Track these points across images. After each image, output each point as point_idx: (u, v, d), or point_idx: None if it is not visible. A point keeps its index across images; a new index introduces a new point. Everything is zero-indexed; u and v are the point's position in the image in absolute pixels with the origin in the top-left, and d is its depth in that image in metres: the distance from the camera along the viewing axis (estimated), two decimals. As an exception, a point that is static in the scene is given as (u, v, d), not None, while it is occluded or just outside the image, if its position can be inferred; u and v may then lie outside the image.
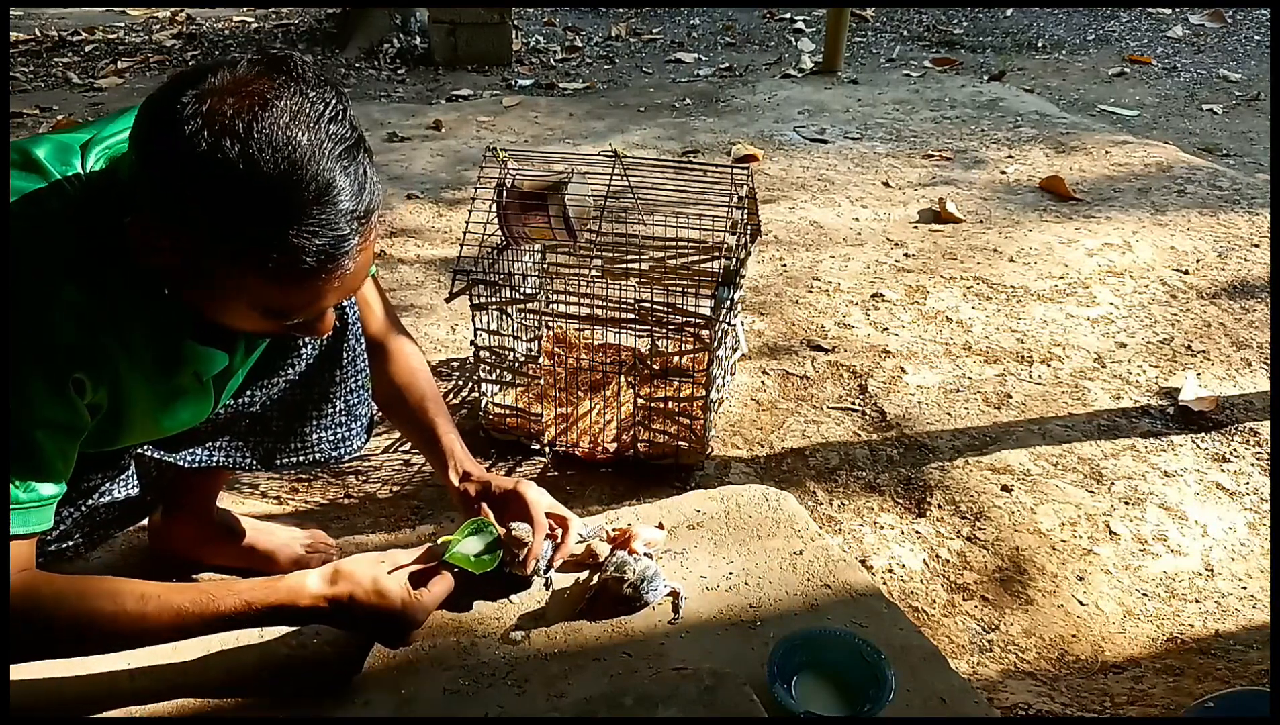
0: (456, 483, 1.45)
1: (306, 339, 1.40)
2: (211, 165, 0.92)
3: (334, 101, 0.98)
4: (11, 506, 1.03)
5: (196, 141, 0.92)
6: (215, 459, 1.44)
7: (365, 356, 1.47)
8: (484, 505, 1.40)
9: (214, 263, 0.98)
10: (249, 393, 1.40)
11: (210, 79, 0.95)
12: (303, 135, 0.94)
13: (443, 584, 1.25)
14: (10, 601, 1.04)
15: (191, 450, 1.42)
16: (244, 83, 0.95)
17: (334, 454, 1.50)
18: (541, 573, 1.39)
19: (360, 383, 1.48)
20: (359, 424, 1.51)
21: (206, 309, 1.07)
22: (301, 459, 1.48)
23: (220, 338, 1.21)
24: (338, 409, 1.47)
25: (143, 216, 0.98)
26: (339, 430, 1.48)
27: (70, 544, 1.35)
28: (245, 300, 1.03)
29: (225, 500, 1.75)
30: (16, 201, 1.02)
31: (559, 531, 1.44)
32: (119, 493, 1.37)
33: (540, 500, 1.40)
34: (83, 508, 1.34)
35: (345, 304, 1.42)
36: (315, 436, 1.47)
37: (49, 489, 1.06)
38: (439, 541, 1.31)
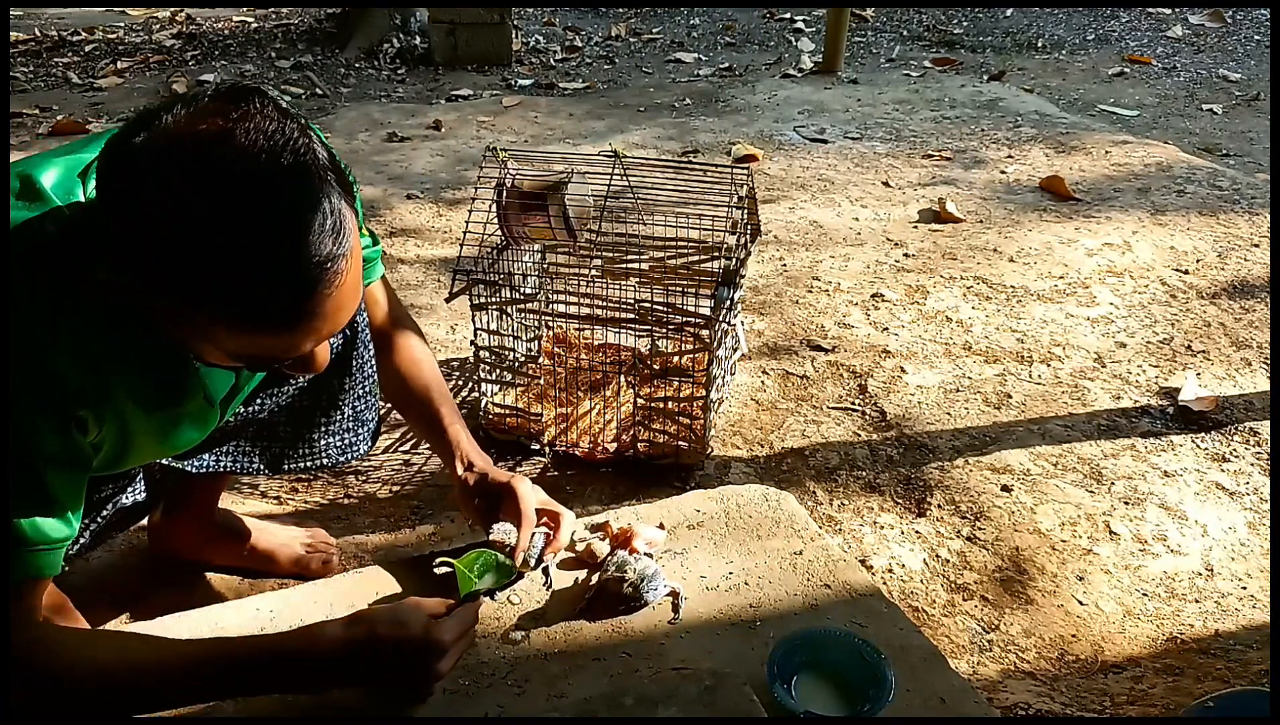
0: (461, 473, 1.42)
1: None
2: (165, 217, 0.87)
3: (296, 136, 0.91)
4: (22, 548, 0.99)
5: (149, 189, 0.87)
6: (223, 464, 1.44)
7: (374, 363, 1.46)
8: (493, 534, 1.37)
9: (181, 313, 0.93)
10: (258, 400, 1.41)
11: (166, 117, 0.90)
12: (260, 181, 0.88)
13: (467, 612, 1.20)
14: (13, 652, 0.99)
15: (199, 457, 1.42)
16: (200, 121, 0.89)
17: (340, 459, 1.50)
18: (531, 565, 1.39)
19: (368, 389, 1.47)
20: (365, 429, 1.51)
21: (193, 352, 1.03)
22: (308, 464, 1.49)
23: None
24: (345, 415, 1.47)
25: (109, 262, 0.93)
26: (346, 436, 1.49)
27: (74, 549, 1.35)
28: (220, 348, 0.98)
29: (225, 500, 1.75)
30: (15, 231, 0.99)
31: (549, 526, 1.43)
32: (127, 500, 1.38)
33: (531, 495, 1.38)
34: (100, 518, 1.35)
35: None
36: (323, 442, 1.48)
37: (60, 531, 1.03)
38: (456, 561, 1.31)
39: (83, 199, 1.03)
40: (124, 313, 1.02)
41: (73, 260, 1.00)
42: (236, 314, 0.92)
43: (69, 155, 1.08)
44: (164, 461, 1.38)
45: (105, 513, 1.36)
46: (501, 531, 1.35)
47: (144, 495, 1.41)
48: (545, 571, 1.39)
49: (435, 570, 1.30)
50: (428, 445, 1.98)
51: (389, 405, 1.61)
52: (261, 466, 1.46)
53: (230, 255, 0.88)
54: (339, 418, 1.46)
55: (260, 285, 0.90)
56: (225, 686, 1.08)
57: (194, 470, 1.41)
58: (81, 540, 1.35)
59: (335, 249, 0.92)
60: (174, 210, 0.87)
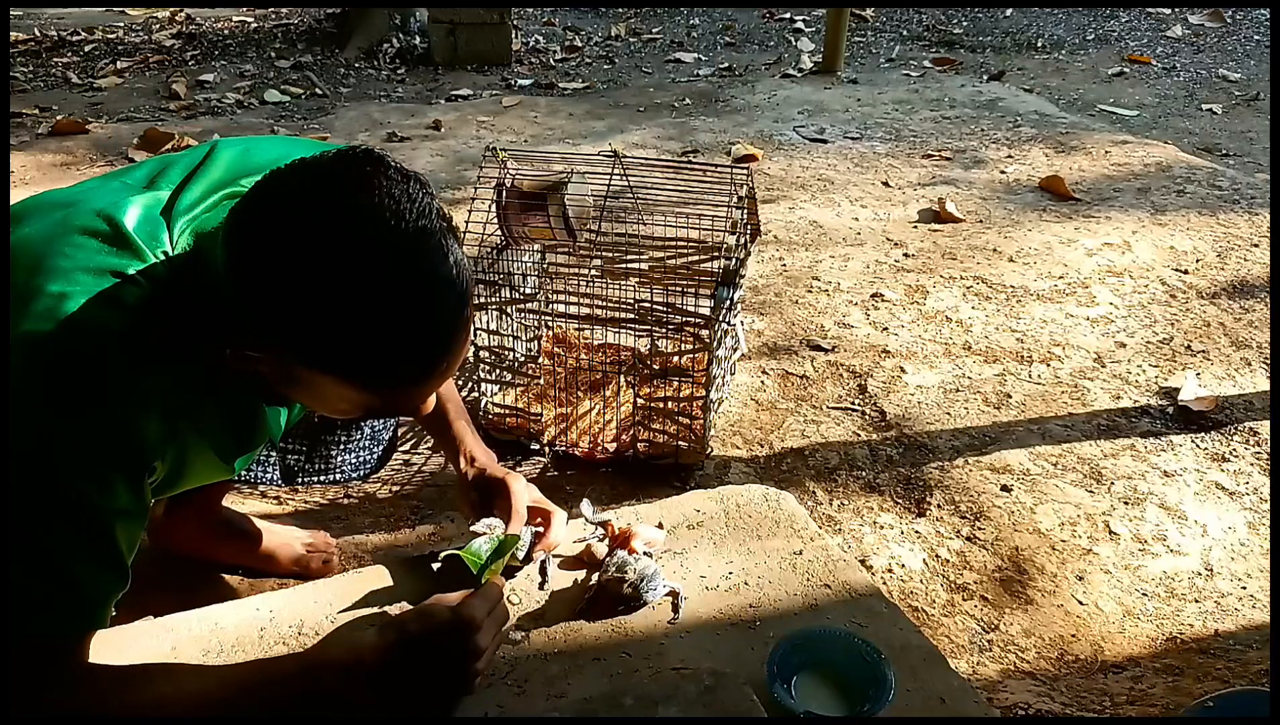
0: (463, 468, 1.43)
1: None
2: (305, 282, 0.89)
3: (420, 197, 0.93)
4: (82, 603, 0.99)
5: (285, 259, 0.89)
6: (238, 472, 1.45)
7: None
8: (476, 527, 1.37)
9: (310, 374, 0.95)
10: None
11: (296, 184, 0.92)
12: (394, 245, 0.90)
13: (491, 590, 1.18)
14: (70, 707, 0.98)
15: None
16: (327, 188, 0.91)
17: (354, 476, 1.51)
18: (519, 559, 1.38)
19: None
20: (380, 447, 1.52)
21: (292, 399, 1.04)
22: (322, 479, 1.49)
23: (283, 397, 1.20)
24: (364, 433, 1.48)
25: (243, 342, 0.95)
26: (361, 453, 1.50)
27: None
28: (340, 404, 1.00)
29: (226, 499, 1.75)
30: (110, 284, 0.99)
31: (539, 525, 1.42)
32: None
33: (523, 493, 1.38)
34: None
35: None
36: (339, 459, 1.48)
37: (118, 586, 1.03)
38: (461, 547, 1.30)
39: (169, 245, 1.04)
40: (207, 369, 1.02)
41: (178, 311, 1.00)
42: (372, 376, 0.94)
43: (146, 193, 1.08)
44: None
45: None
46: (485, 525, 1.35)
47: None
48: (543, 570, 1.39)
49: (434, 567, 1.30)
50: (433, 441, 1.99)
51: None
52: (276, 477, 1.47)
53: (370, 320, 0.90)
54: (359, 436, 1.48)
55: (399, 348, 0.93)
56: (272, 704, 1.06)
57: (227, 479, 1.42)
58: None
59: (464, 304, 0.96)
60: (313, 277, 0.89)
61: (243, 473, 1.46)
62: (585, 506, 1.50)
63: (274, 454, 1.46)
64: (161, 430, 1.01)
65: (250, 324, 0.93)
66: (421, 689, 1.11)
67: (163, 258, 1.03)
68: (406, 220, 0.91)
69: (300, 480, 1.48)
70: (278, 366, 0.96)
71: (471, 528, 1.34)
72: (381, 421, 1.48)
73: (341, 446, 1.47)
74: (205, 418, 1.08)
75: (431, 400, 1.08)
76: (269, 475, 1.47)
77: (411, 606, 1.24)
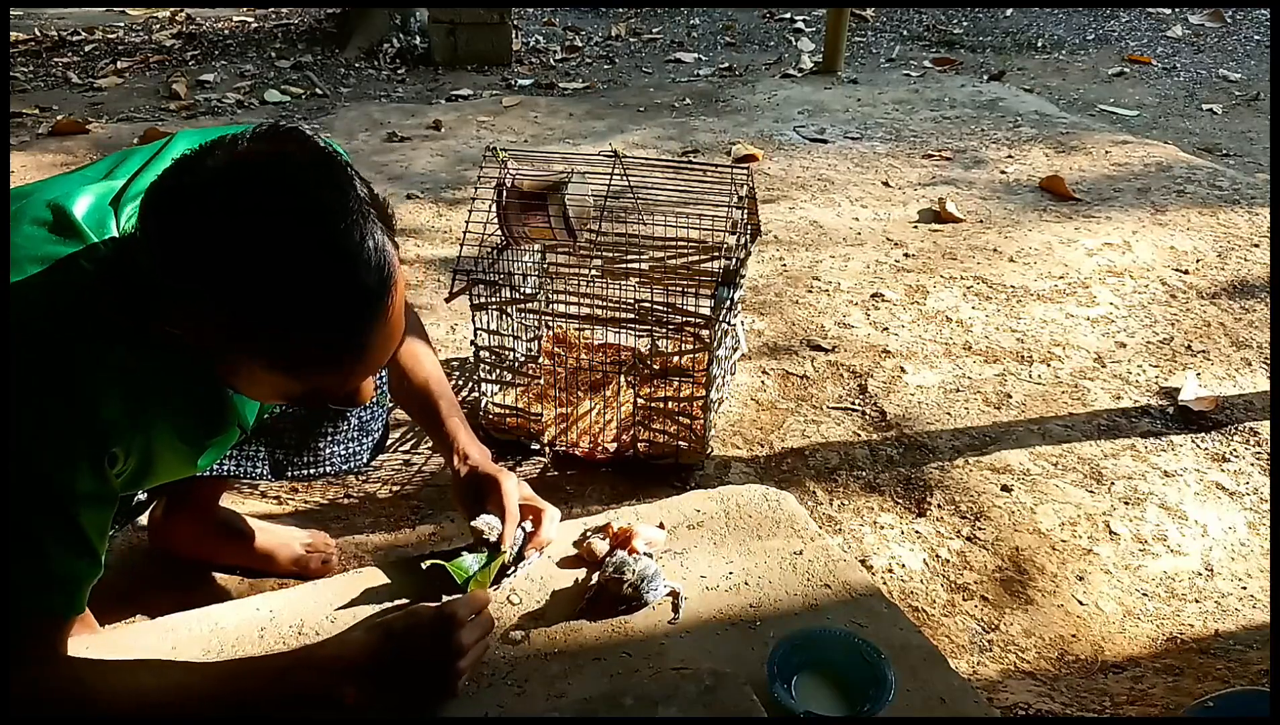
0: (457, 466, 1.42)
1: None
2: (215, 263, 0.88)
3: (338, 173, 0.93)
4: (52, 587, 0.99)
5: (197, 238, 0.88)
6: (226, 468, 1.44)
7: (384, 371, 1.46)
8: (475, 523, 1.37)
9: (236, 354, 0.95)
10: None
11: (211, 157, 0.91)
12: (307, 218, 0.89)
13: (477, 595, 1.20)
14: (40, 692, 0.97)
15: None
16: (244, 161, 0.90)
17: (344, 468, 1.50)
18: (509, 557, 1.38)
19: (376, 399, 1.47)
20: (370, 439, 1.51)
21: (244, 389, 1.04)
22: (312, 472, 1.49)
23: None
24: (351, 425, 1.47)
25: (170, 316, 0.95)
26: (350, 445, 1.49)
27: None
28: (269, 388, 1.00)
29: (225, 499, 1.75)
30: (54, 269, 0.98)
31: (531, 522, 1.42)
32: (131, 501, 1.38)
33: (514, 490, 1.38)
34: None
35: None
36: (328, 451, 1.48)
37: (89, 571, 1.02)
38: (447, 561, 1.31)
39: (115, 231, 1.03)
40: (163, 349, 1.02)
41: (126, 289, 0.99)
42: (293, 358, 0.93)
43: (99, 182, 1.08)
44: None
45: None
46: (484, 522, 1.35)
47: (145, 494, 1.41)
48: (517, 561, 1.39)
49: (423, 566, 1.31)
50: (429, 440, 1.99)
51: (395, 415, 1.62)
52: (265, 471, 1.47)
53: (286, 301, 0.89)
54: (345, 427, 1.47)
55: (312, 321, 0.91)
56: (260, 699, 1.06)
57: (196, 472, 1.42)
58: None
59: (383, 281, 0.94)
60: (224, 251, 0.88)
61: (230, 468, 1.45)
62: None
63: (263, 449, 1.46)
64: (121, 412, 1.01)
65: (170, 296, 0.93)
66: (404, 687, 1.12)
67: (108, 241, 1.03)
68: (318, 194, 0.90)
69: (290, 474, 1.48)
70: (202, 342, 0.95)
71: (472, 524, 1.35)
72: (369, 413, 1.47)
73: (329, 438, 1.46)
74: (168, 401, 1.07)
75: (369, 389, 1.07)
76: (259, 470, 1.46)
77: (409, 607, 1.25)
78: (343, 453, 1.49)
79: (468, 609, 1.16)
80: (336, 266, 0.90)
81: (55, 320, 0.97)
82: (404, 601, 1.32)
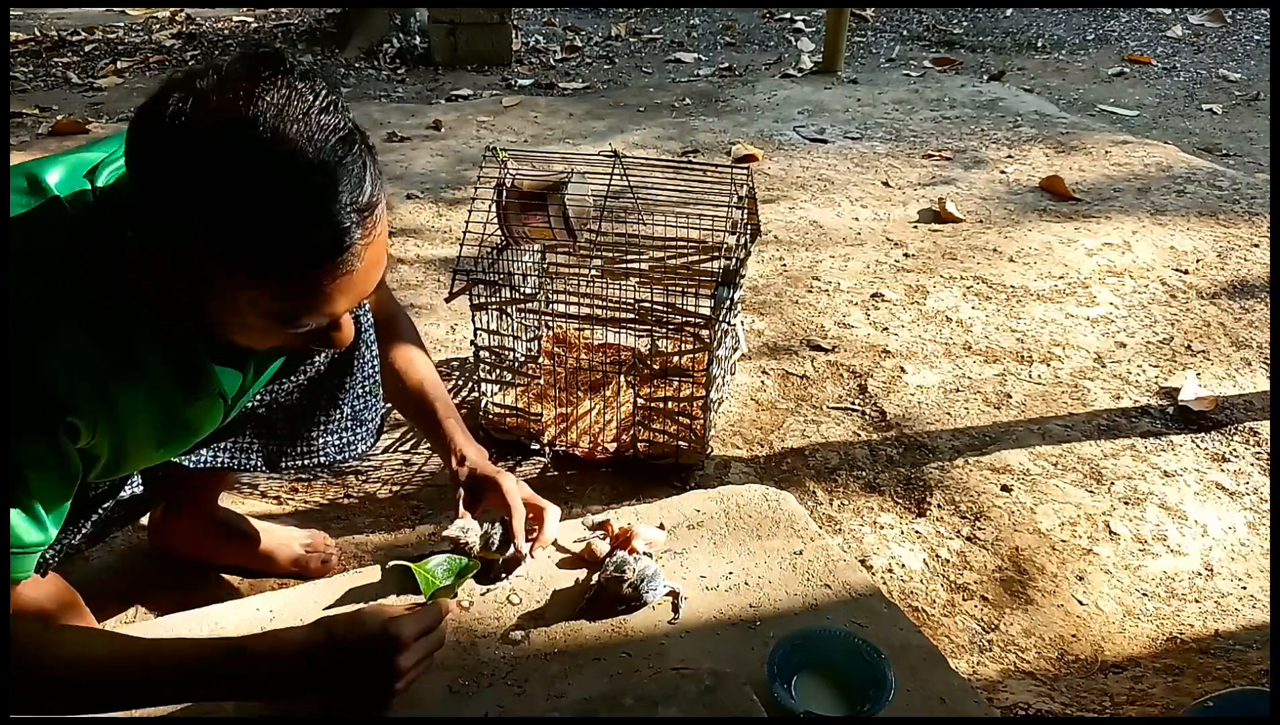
0: (454, 467, 1.42)
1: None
2: (201, 170, 0.89)
3: (324, 93, 0.94)
4: None
5: (184, 149, 0.89)
6: (220, 460, 1.44)
7: (376, 362, 1.46)
8: (449, 531, 1.37)
9: (216, 274, 0.94)
10: (257, 396, 1.41)
11: (196, 82, 0.91)
12: (292, 129, 0.90)
13: (430, 611, 1.18)
14: None
15: (197, 452, 1.42)
16: (229, 83, 0.91)
17: (338, 458, 1.50)
18: (493, 550, 1.39)
19: (368, 388, 1.47)
20: (364, 429, 1.51)
21: (217, 328, 1.03)
22: (306, 463, 1.48)
23: (233, 356, 1.19)
24: (344, 414, 1.47)
25: (141, 234, 0.95)
26: (344, 435, 1.49)
27: (76, 542, 1.35)
28: (253, 312, 0.98)
29: (225, 499, 1.75)
30: (21, 233, 0.98)
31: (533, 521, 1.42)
32: (124, 493, 1.38)
33: (515, 489, 1.38)
34: (97, 515, 1.35)
35: (359, 311, 1.42)
36: (321, 441, 1.48)
37: (33, 536, 1.01)
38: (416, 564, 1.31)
39: (88, 195, 1.03)
40: (133, 312, 1.02)
41: (94, 251, 1.00)
42: (278, 266, 0.93)
43: (74, 155, 1.08)
44: None
45: (105, 507, 1.36)
46: (457, 528, 1.35)
47: (141, 488, 1.41)
48: (512, 565, 1.39)
49: (387, 565, 1.31)
50: (426, 441, 1.99)
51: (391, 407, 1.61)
52: (259, 464, 1.46)
53: (271, 205, 0.90)
54: (338, 416, 1.46)
55: (300, 232, 0.91)
56: (190, 686, 1.06)
57: (191, 466, 1.41)
58: (84, 531, 1.36)
59: (371, 197, 0.94)
60: (212, 168, 0.88)
61: (224, 461, 1.44)
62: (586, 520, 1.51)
63: (256, 441, 1.45)
64: (73, 381, 1.00)
65: (154, 236, 0.93)
66: (335, 694, 1.11)
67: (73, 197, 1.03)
68: (306, 111, 0.91)
69: (285, 464, 1.47)
70: (188, 275, 0.95)
71: (445, 534, 1.35)
72: (362, 402, 1.47)
73: (322, 427, 1.46)
74: (137, 369, 1.06)
75: (349, 331, 1.07)
76: (253, 462, 1.46)
77: (405, 607, 1.25)
78: (336, 443, 1.48)
79: (415, 627, 1.13)
80: (327, 177, 0.91)
81: (20, 286, 0.97)
82: (407, 599, 1.32)
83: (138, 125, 0.93)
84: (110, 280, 1.01)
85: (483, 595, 1.36)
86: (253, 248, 0.92)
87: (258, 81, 0.91)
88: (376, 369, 1.47)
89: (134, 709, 1.10)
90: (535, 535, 1.40)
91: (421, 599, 1.31)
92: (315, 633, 1.10)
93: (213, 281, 0.95)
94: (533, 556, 1.40)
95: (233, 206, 0.90)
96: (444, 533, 1.36)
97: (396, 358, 1.49)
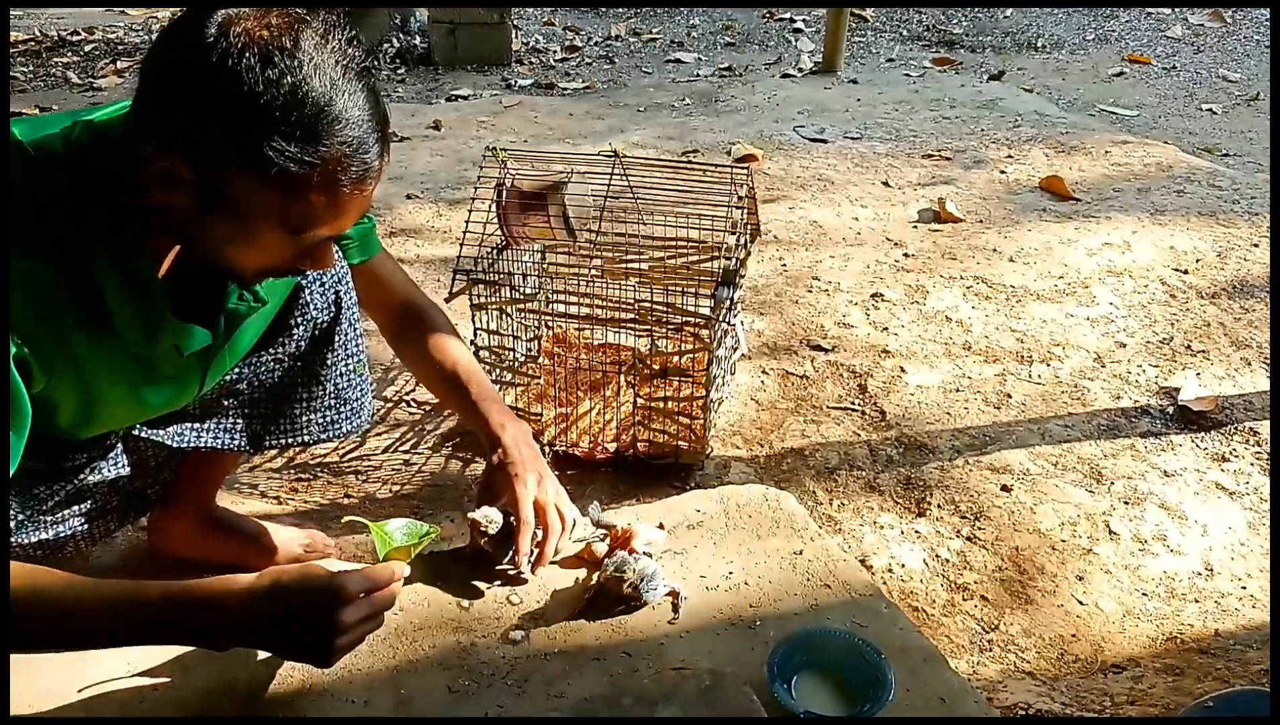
0: (490, 456, 1.43)
1: (299, 318, 1.39)
2: (236, 77, 0.93)
3: (348, 29, 1.01)
4: None
5: (219, 56, 0.93)
6: (204, 440, 1.44)
7: (361, 342, 1.47)
8: (473, 514, 1.38)
9: (237, 179, 0.97)
10: (236, 370, 1.40)
11: (227, 10, 0.96)
12: (323, 51, 0.97)
13: (380, 570, 1.15)
14: None
15: (179, 429, 1.42)
16: (261, 10, 0.97)
17: (322, 437, 1.49)
18: (501, 560, 1.39)
19: (352, 367, 1.47)
20: (348, 408, 1.50)
21: (213, 245, 1.04)
22: (289, 441, 1.48)
23: (201, 313, 1.19)
24: (327, 392, 1.47)
25: (159, 145, 0.97)
26: (328, 413, 1.48)
27: (69, 532, 1.34)
28: (265, 219, 1.01)
29: (224, 499, 1.75)
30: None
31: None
32: (109, 472, 1.37)
33: (528, 498, 1.37)
34: (72, 484, 1.33)
35: (340, 288, 1.42)
36: (304, 418, 1.47)
37: None
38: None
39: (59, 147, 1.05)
40: (116, 239, 1.04)
41: (88, 174, 1.03)
42: (304, 168, 0.97)
43: (68, 116, 1.11)
44: (145, 434, 1.37)
45: (81, 480, 1.34)
46: (481, 514, 1.35)
47: (127, 469, 1.39)
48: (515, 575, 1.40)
49: (343, 520, 1.30)
50: (427, 440, 1.99)
51: (382, 398, 1.61)
52: (244, 443, 1.46)
53: (303, 111, 0.96)
54: (320, 394, 1.46)
55: (330, 136, 0.97)
56: (133, 627, 1.06)
57: (174, 443, 1.41)
58: (78, 528, 1.35)
59: (386, 117, 1.04)
60: (248, 75, 0.93)
61: (208, 441, 1.44)
62: (594, 509, 1.50)
63: (240, 420, 1.45)
64: (31, 318, 1.01)
65: (170, 121, 0.97)
66: (275, 644, 1.12)
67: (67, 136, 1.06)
68: (339, 41, 1.00)
69: (269, 443, 1.47)
70: (195, 171, 0.97)
71: (470, 516, 1.37)
72: (345, 381, 1.46)
73: (305, 405, 1.46)
74: (102, 303, 1.07)
75: (330, 254, 1.11)
76: (236, 442, 1.45)
77: (405, 605, 1.25)
78: (320, 421, 1.48)
79: (360, 584, 1.11)
80: (356, 90, 0.99)
81: (8, 279, 0.98)
82: (403, 602, 1.32)
83: (167, 36, 0.98)
84: (78, 212, 1.03)
85: (482, 596, 1.36)
86: (280, 157, 0.96)
87: (287, 13, 0.98)
88: (361, 348, 1.47)
89: (69, 649, 1.10)
90: (537, 554, 1.39)
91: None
92: (260, 580, 1.09)
93: (231, 193, 0.98)
94: (533, 573, 1.39)
95: (264, 116, 0.94)
96: (469, 515, 1.36)
97: (432, 346, 1.50)
